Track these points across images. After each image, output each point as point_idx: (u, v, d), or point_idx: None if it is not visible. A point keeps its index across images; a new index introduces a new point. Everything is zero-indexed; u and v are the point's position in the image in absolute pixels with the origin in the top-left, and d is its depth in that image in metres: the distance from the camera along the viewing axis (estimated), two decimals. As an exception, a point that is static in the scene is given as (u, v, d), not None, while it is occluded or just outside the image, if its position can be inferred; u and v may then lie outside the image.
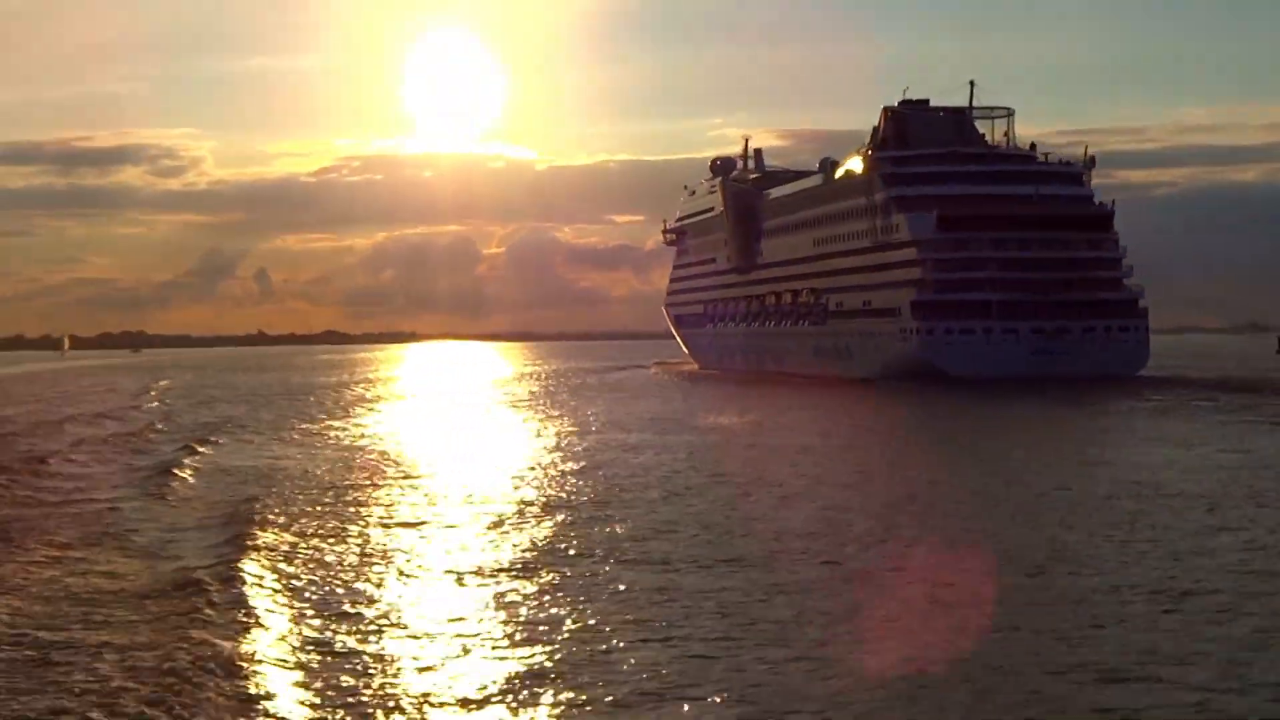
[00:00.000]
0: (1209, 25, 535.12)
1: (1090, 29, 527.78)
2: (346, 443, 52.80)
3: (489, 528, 28.12)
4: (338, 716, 14.76)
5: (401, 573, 23.08)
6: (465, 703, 15.16)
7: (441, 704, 15.14)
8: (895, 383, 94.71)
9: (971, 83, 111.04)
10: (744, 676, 15.97)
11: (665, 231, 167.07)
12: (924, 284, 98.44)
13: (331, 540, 26.64)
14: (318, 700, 15.24)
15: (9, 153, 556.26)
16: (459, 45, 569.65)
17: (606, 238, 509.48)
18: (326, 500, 33.19)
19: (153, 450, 49.43)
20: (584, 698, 15.21)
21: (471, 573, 22.78)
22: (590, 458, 44.20)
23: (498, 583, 21.94)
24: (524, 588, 21.43)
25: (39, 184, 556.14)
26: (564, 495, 33.75)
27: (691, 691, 15.37)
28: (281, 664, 16.71)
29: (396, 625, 19.00)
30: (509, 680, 15.95)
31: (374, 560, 24.36)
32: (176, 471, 39.87)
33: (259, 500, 32.73)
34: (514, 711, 14.89)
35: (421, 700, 15.27)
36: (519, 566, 23.40)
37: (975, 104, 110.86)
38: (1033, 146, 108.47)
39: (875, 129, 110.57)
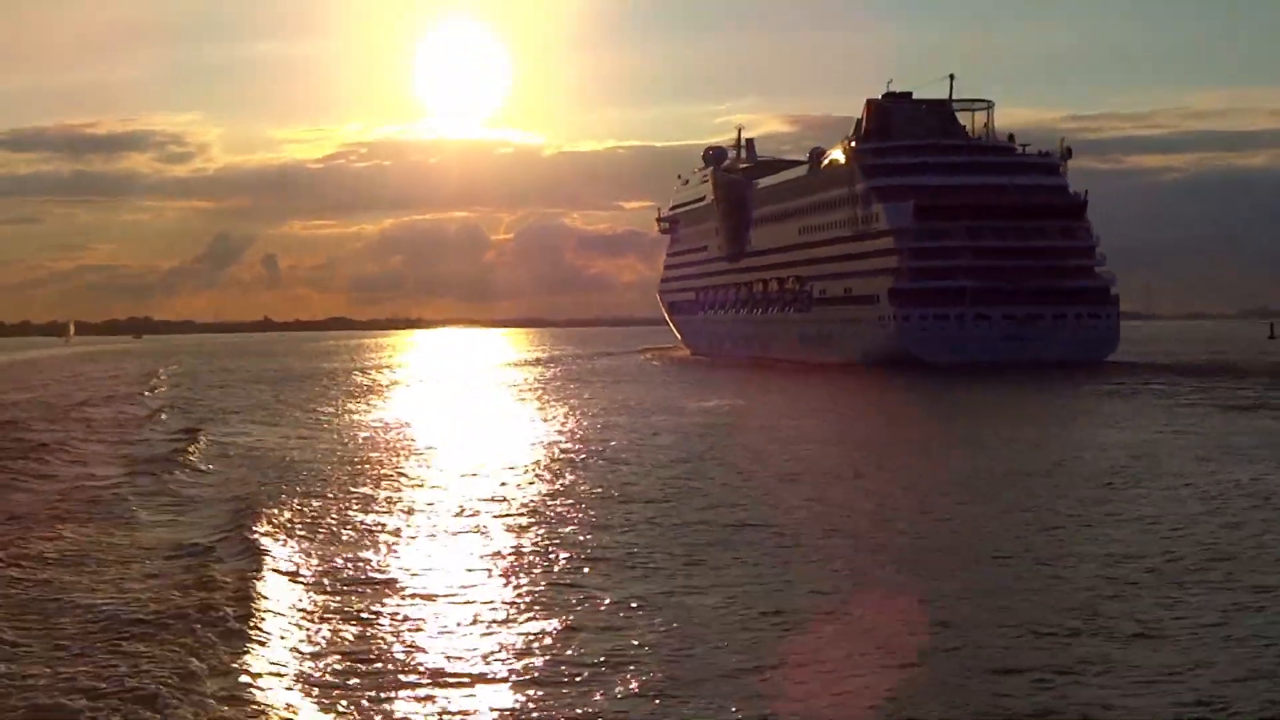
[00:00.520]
0: (1219, 10, 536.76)
1: (1101, 14, 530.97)
2: (317, 435, 55.44)
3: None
4: (349, 683, 15.43)
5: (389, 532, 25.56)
6: (476, 670, 15.97)
7: (453, 671, 15.89)
8: (873, 368, 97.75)
9: (951, 76, 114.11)
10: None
11: (659, 220, 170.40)
12: (901, 272, 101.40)
13: (327, 521, 27.64)
14: (328, 671, 15.91)
15: (16, 139, 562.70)
16: (467, 30, 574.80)
17: (615, 224, 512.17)
18: (319, 489, 33.41)
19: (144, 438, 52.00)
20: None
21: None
22: (550, 445, 46.64)
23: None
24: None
25: (46, 170, 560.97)
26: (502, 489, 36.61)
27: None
28: (291, 627, 17.77)
29: (390, 586, 20.66)
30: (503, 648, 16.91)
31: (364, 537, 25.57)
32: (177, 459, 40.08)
33: (269, 481, 34.09)
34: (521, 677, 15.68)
35: (431, 669, 16.01)
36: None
37: (956, 96, 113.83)
38: (1011, 138, 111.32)
39: (858, 121, 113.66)
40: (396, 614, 18.76)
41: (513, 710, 14.50)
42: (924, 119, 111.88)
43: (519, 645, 17.05)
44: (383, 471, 36.69)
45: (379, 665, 16.13)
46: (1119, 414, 55.39)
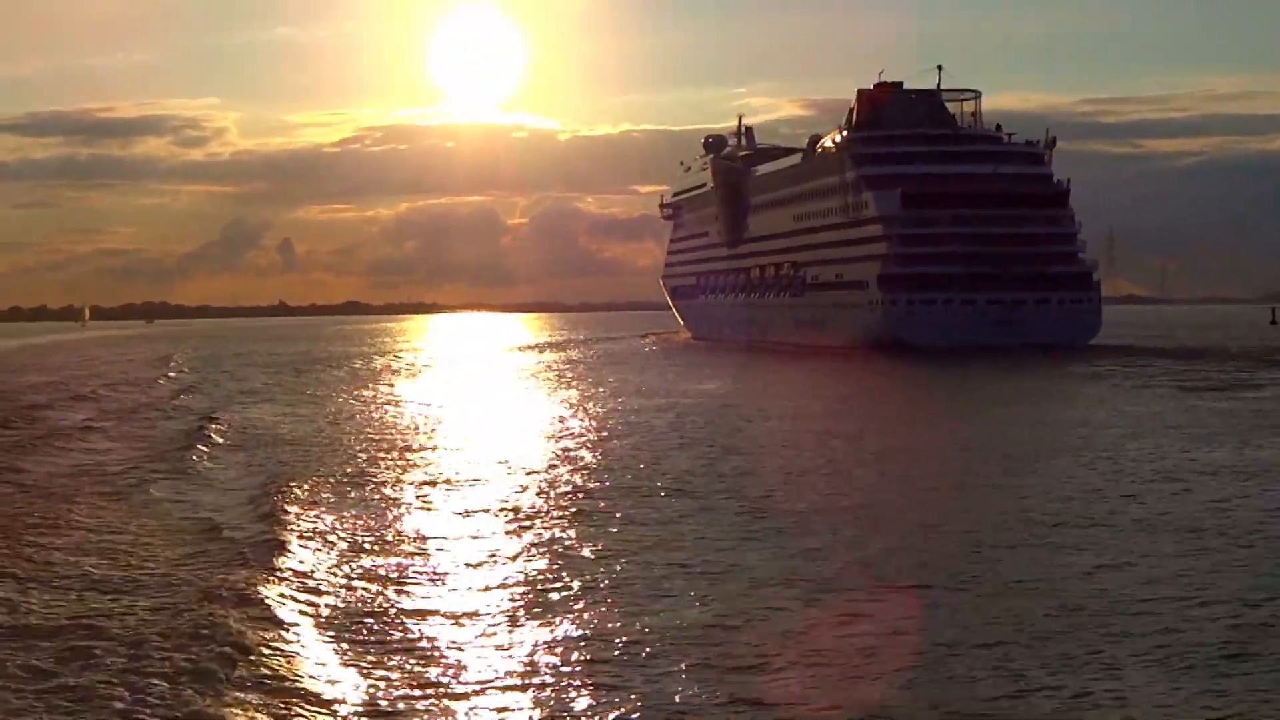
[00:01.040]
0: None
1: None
2: (322, 420, 55.69)
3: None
4: (366, 664, 15.89)
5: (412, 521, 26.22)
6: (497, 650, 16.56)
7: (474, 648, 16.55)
8: (863, 351, 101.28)
9: (939, 67, 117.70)
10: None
11: (662, 206, 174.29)
12: (889, 259, 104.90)
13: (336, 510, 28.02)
14: (350, 654, 16.27)
15: (32, 123, 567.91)
16: (482, 14, 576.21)
17: (630, 208, 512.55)
18: (336, 473, 34.14)
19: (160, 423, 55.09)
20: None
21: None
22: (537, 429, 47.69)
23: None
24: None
25: (62, 155, 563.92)
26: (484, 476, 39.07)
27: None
28: (312, 613, 18.17)
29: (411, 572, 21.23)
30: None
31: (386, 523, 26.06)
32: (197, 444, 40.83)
33: (289, 464, 35.40)
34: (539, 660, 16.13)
35: (449, 645, 16.67)
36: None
37: (944, 86, 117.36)
38: (998, 127, 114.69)
39: (851, 110, 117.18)
40: (425, 593, 19.58)
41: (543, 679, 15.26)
42: (914, 109, 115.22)
43: (539, 606, 18.46)
44: (407, 458, 37.32)
45: (400, 635, 17.08)
46: (1081, 395, 58.43)
